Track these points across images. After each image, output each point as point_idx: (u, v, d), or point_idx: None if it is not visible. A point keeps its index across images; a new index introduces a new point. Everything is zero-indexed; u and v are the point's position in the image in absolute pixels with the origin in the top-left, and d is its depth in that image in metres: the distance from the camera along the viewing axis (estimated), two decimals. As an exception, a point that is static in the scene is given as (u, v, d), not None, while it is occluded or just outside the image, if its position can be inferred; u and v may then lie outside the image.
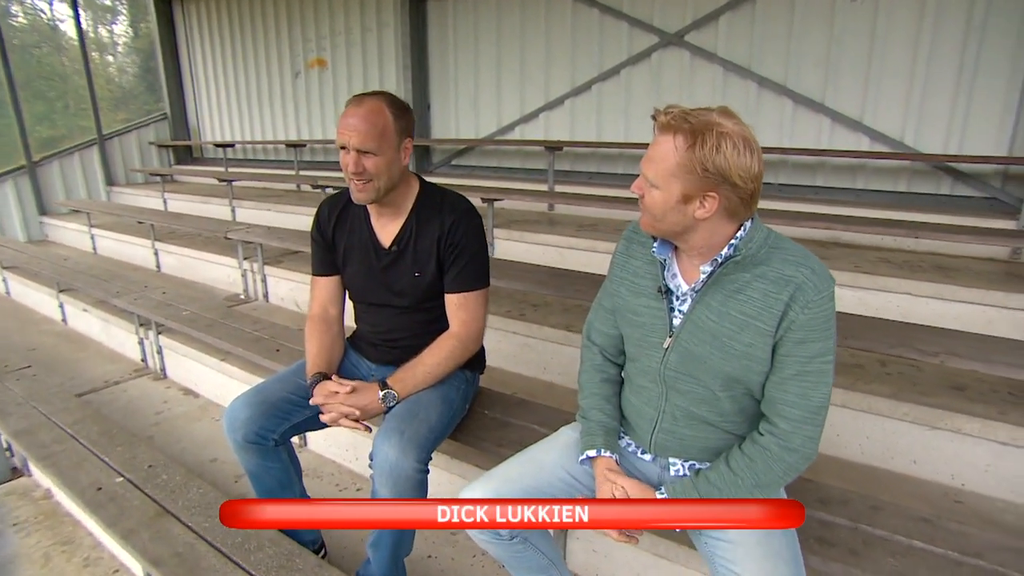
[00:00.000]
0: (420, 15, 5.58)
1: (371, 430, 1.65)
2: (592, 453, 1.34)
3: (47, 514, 2.42)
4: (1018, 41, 3.45)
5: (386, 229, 1.73)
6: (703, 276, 1.18)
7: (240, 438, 1.63)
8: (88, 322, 3.97)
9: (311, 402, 1.61)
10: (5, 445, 2.64)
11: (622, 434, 1.43)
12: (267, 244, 3.80)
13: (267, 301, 4.01)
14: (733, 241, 1.15)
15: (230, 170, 6.50)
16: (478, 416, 1.94)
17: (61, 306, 4.17)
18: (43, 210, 6.59)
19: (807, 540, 1.37)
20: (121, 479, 1.98)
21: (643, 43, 4.50)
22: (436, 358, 1.69)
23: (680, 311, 1.24)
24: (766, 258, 1.15)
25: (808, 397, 1.13)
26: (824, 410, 1.16)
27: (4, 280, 4.98)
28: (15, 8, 6.61)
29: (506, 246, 3.92)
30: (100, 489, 1.93)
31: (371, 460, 1.54)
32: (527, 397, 2.12)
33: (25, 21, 7.80)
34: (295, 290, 3.82)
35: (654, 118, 1.13)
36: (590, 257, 3.60)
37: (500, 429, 1.88)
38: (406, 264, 1.71)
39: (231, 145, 7.17)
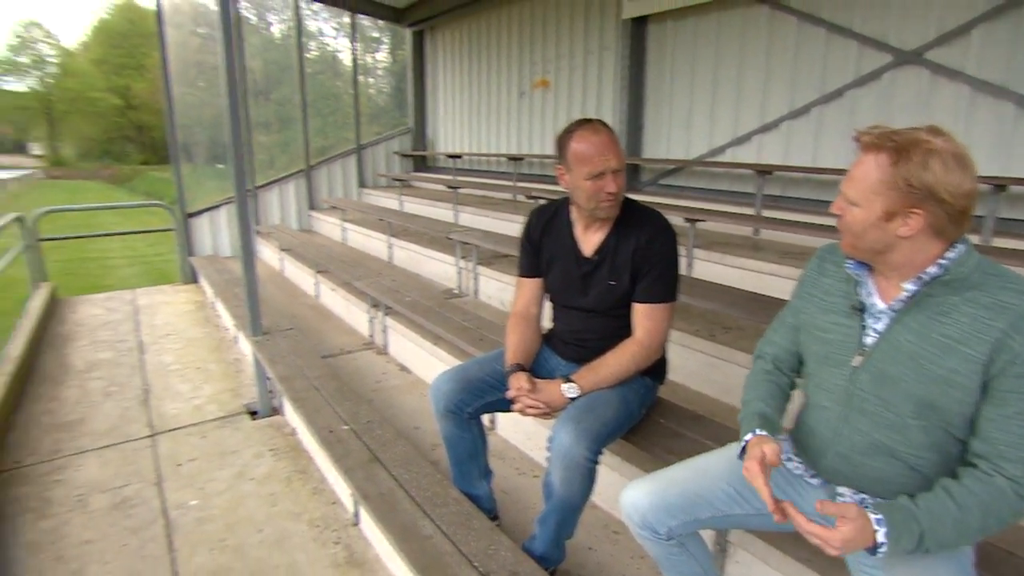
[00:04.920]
0: (640, 37, 5.71)
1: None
2: (748, 436, 1.29)
3: (291, 447, 3.00)
4: None
5: (590, 240, 1.89)
6: (905, 295, 1.14)
7: (441, 407, 1.91)
8: (334, 299, 4.77)
9: (507, 395, 1.82)
10: (269, 388, 3.32)
11: (792, 456, 1.42)
12: (482, 246, 4.23)
13: (476, 297, 4.44)
14: (942, 261, 1.10)
15: (457, 178, 7.24)
16: (653, 423, 2.01)
17: (316, 284, 5.07)
18: (312, 205, 8.02)
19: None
20: (347, 427, 2.40)
21: (874, 62, 4.12)
22: (618, 360, 1.81)
23: (874, 330, 1.20)
24: (980, 283, 1.08)
25: None
26: None
27: (281, 260, 6.18)
28: (312, 43, 8.06)
29: (705, 267, 3.87)
30: (331, 432, 2.37)
31: (548, 444, 1.71)
32: (705, 414, 2.13)
33: (316, 53, 9.42)
34: (502, 290, 4.19)
35: (856, 139, 1.14)
36: (792, 286, 3.40)
37: (672, 438, 1.93)
38: (603, 273, 1.86)
39: (459, 156, 7.98)
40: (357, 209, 6.78)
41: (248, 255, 3.26)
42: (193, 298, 5.98)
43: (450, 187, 6.15)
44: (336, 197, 8.08)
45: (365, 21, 8.51)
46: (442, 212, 6.38)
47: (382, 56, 10.07)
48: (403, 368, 3.69)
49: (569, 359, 2.03)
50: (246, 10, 8.27)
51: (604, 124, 1.77)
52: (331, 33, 9.43)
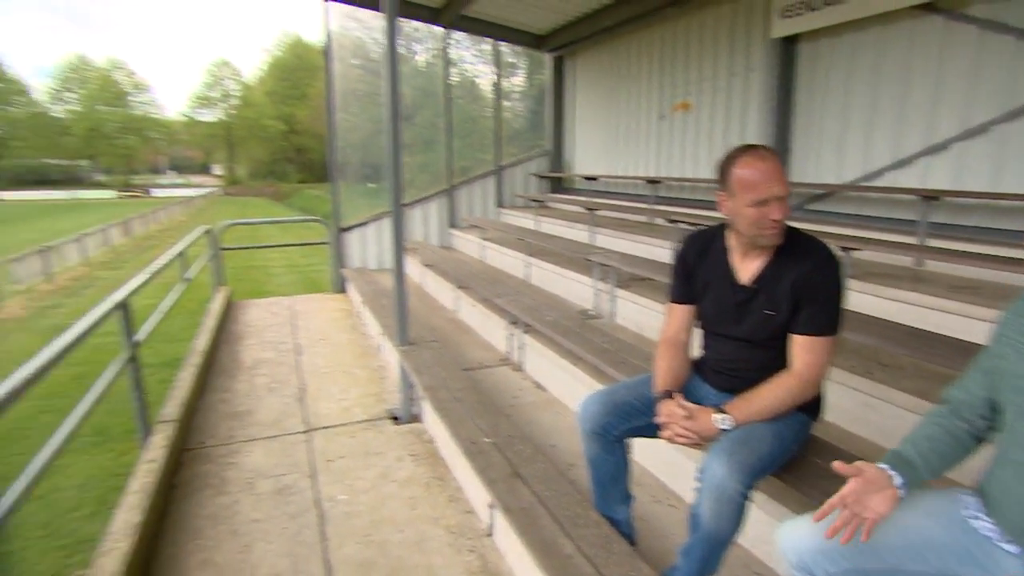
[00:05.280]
0: (789, 57, 5.45)
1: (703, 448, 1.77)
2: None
3: (429, 454, 3.14)
4: None
5: (747, 267, 1.83)
6: None
7: (588, 428, 1.92)
8: (472, 315, 4.95)
9: (656, 420, 1.80)
10: (411, 396, 3.50)
11: (980, 515, 1.27)
12: (620, 269, 4.20)
13: (613, 319, 4.41)
14: None
15: (593, 200, 7.28)
16: (807, 462, 1.88)
17: (456, 299, 5.30)
18: (452, 224, 8.41)
19: None
20: (489, 440, 2.47)
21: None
22: (774, 393, 1.73)
23: None
24: None
25: None
26: None
27: (423, 274, 6.54)
28: (452, 69, 8.48)
29: (859, 299, 3.58)
30: (474, 443, 2.45)
31: (699, 475, 1.66)
32: (862, 457, 1.96)
33: (457, 79, 9.95)
34: (639, 313, 4.13)
35: None
36: (962, 323, 3.05)
37: (829, 480, 1.78)
38: (760, 302, 1.79)
39: (595, 179, 8.02)
40: (495, 228, 7.02)
41: (400, 269, 3.48)
42: (341, 307, 6.48)
43: (587, 209, 6.19)
44: (474, 216, 8.42)
45: (503, 47, 8.84)
46: (578, 233, 6.43)
47: (518, 80, 10.44)
48: (539, 386, 3.74)
49: (720, 388, 1.97)
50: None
51: (769, 150, 1.72)
52: (471, 60, 9.95)
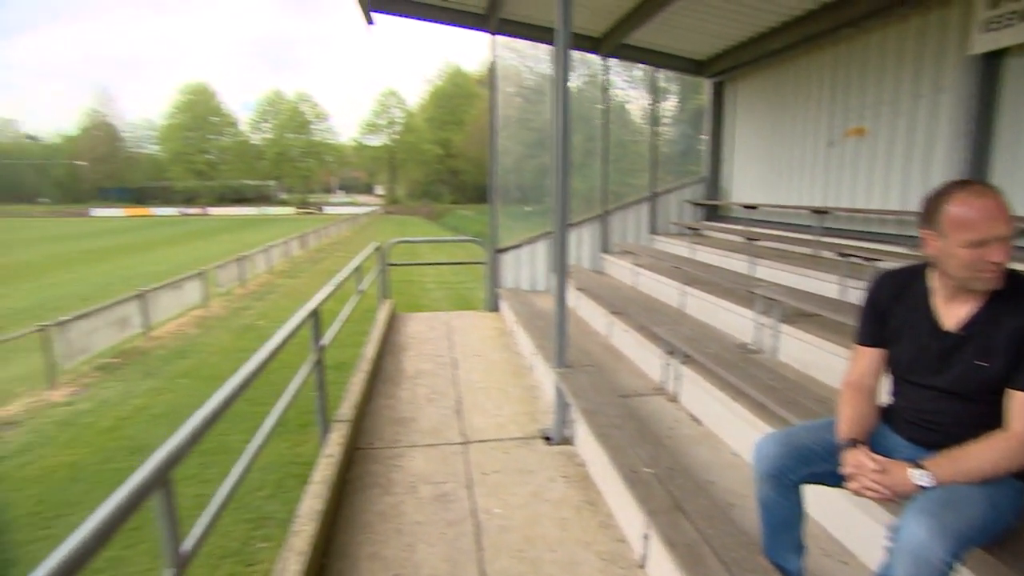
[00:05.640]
0: (991, 75, 4.83)
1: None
2: None
3: (581, 477, 3.16)
4: None
5: (953, 312, 1.68)
6: None
7: (763, 469, 1.84)
8: (625, 341, 4.92)
9: (842, 471, 1.69)
10: (565, 418, 3.56)
11: None
12: (786, 303, 3.97)
13: (775, 355, 4.17)
14: None
15: (752, 229, 6.96)
16: (1025, 538, 1.66)
17: (610, 325, 5.30)
18: (604, 248, 8.43)
19: None
20: (649, 470, 2.45)
21: None
22: (985, 455, 1.56)
23: None
24: None
25: None
26: None
27: (576, 298, 6.62)
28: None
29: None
30: (634, 472, 2.44)
31: (892, 534, 1.53)
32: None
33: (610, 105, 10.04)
34: (803, 351, 3.87)
35: None
36: None
37: (1056, 564, 1.56)
38: (970, 351, 1.63)
39: (755, 207, 7.66)
40: (648, 255, 6.94)
41: (561, 293, 3.56)
42: (495, 325, 6.74)
43: (748, 239, 5.92)
44: (627, 242, 8.38)
45: (657, 72, 8.74)
46: (735, 263, 6.16)
47: (669, 105, 10.31)
48: (694, 419, 3.63)
49: (913, 441, 1.80)
50: (549, 67, 9.19)
51: (990, 186, 1.57)
52: (621, 85, 9.99)
